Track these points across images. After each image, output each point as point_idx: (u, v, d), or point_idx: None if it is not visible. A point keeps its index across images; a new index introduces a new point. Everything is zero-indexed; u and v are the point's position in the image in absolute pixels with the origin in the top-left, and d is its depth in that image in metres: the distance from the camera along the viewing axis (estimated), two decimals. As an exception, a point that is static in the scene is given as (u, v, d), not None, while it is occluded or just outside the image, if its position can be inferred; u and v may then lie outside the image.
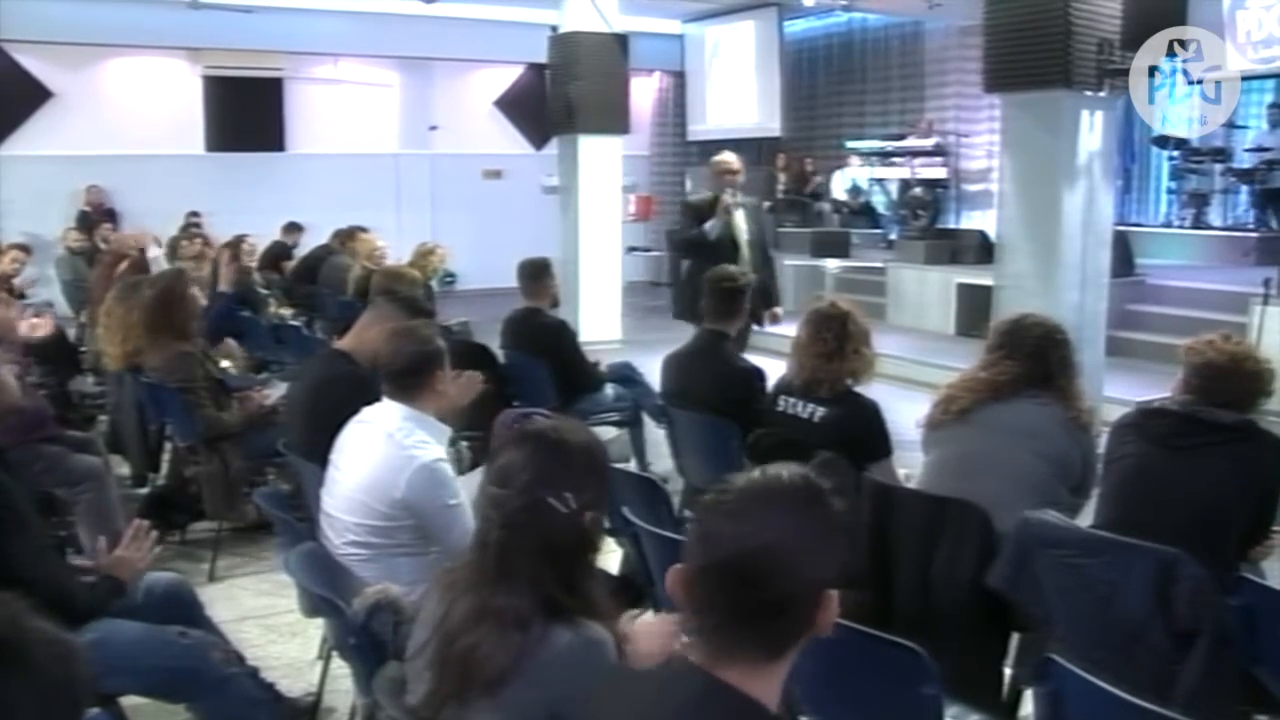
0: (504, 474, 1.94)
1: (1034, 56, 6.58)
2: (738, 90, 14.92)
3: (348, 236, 9.12)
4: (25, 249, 8.98)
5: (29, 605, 1.31)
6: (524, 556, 1.89)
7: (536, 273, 5.80)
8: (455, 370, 3.31)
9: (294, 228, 11.19)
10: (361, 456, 2.95)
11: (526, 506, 1.90)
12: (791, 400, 3.68)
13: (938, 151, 12.24)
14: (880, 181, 13.03)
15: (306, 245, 10.38)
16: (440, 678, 1.90)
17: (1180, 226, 10.98)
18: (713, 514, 1.40)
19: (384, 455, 2.90)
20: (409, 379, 3.00)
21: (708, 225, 6.40)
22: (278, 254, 10.57)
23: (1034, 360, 3.26)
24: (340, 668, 3.20)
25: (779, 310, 6.51)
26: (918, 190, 12.05)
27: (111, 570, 2.87)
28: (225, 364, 6.01)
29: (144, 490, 5.30)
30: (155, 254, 8.51)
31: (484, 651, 1.85)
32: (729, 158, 6.58)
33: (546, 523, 1.89)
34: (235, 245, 8.20)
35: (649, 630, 2.16)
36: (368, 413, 3.03)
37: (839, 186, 13.53)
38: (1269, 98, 10.84)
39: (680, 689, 1.42)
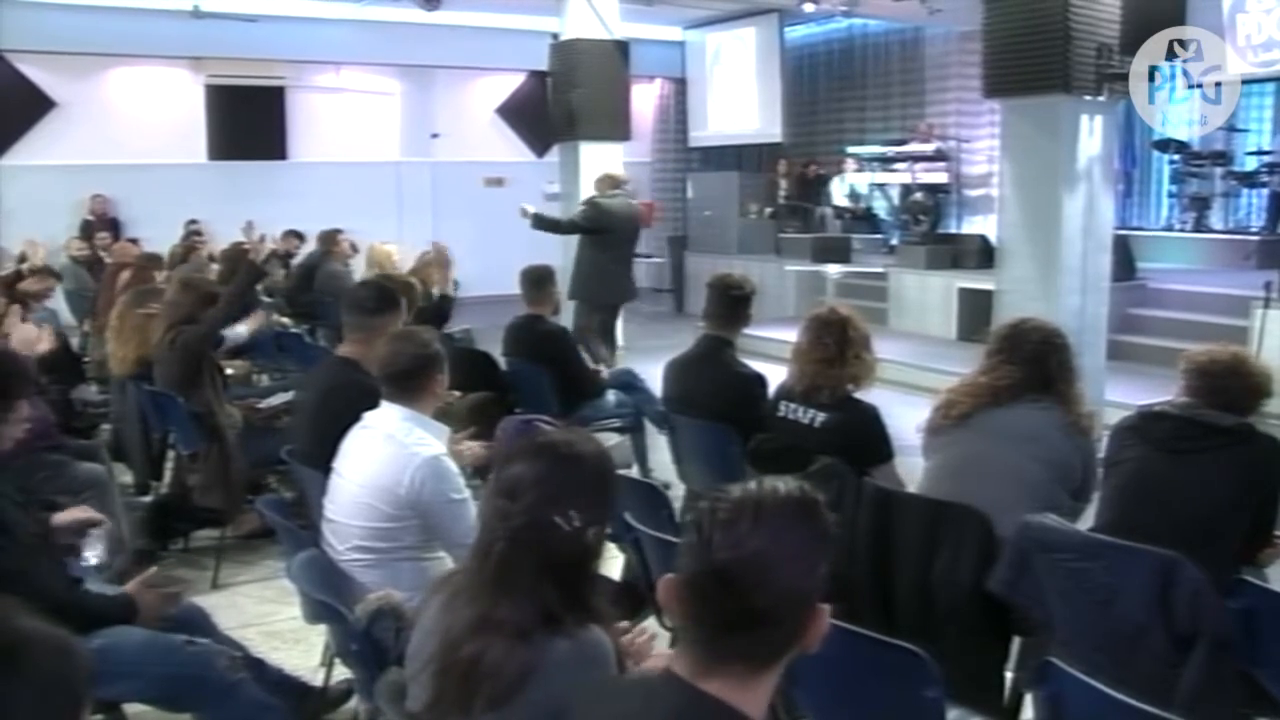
0: (511, 487, 1.93)
1: (1033, 62, 6.59)
2: (739, 96, 14.94)
3: (330, 241, 9.21)
4: (55, 274, 8.87)
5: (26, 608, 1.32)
6: (525, 571, 1.89)
7: (540, 280, 5.82)
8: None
9: (293, 235, 11.19)
10: (364, 460, 2.98)
11: (531, 524, 1.89)
12: (792, 406, 3.68)
13: (939, 156, 12.24)
14: (881, 186, 13.04)
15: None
16: (442, 687, 1.90)
17: (1181, 230, 10.99)
18: (706, 522, 1.42)
19: (387, 455, 2.92)
20: (408, 380, 3.03)
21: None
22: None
23: (1034, 365, 3.27)
24: (342, 674, 3.22)
25: None
26: (919, 195, 12.05)
27: (135, 595, 2.89)
28: (230, 371, 6.03)
29: (147, 499, 5.32)
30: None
31: (489, 663, 1.84)
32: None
33: (549, 540, 1.89)
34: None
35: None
36: (369, 418, 3.06)
37: (839, 191, 13.54)
38: (1270, 101, 10.86)
39: (665, 701, 1.43)
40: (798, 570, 1.40)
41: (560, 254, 10.34)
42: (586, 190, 10.65)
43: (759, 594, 1.37)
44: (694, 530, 1.43)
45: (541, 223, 8.34)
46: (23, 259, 9.15)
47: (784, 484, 1.45)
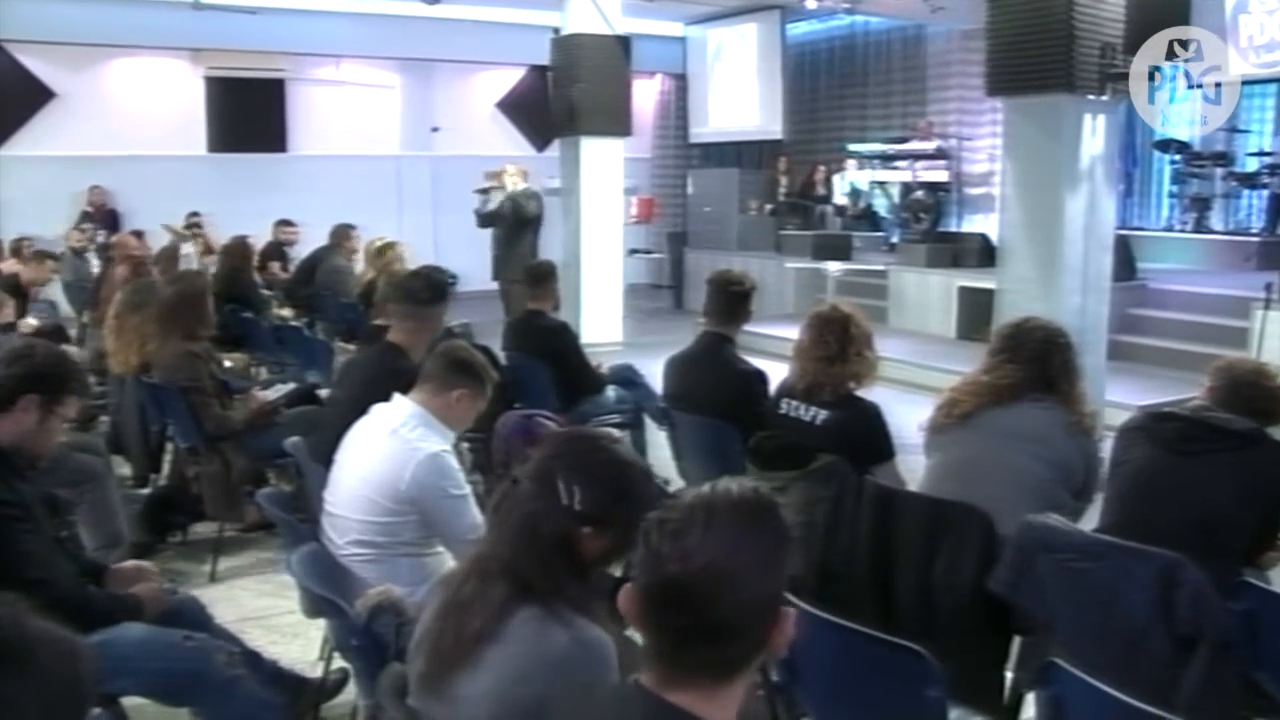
0: (543, 452, 1.93)
1: (1036, 60, 6.57)
2: (740, 93, 14.93)
3: (343, 236, 9.18)
4: (53, 256, 8.87)
5: (35, 606, 1.31)
6: (507, 532, 1.88)
7: (541, 276, 5.82)
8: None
9: (283, 224, 11.10)
10: (366, 454, 2.97)
11: (534, 479, 1.88)
12: (793, 403, 3.67)
13: (940, 155, 12.22)
14: (882, 184, 13.03)
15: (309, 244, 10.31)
16: (435, 646, 1.90)
17: (1182, 231, 10.98)
18: (655, 532, 1.36)
19: (388, 450, 2.91)
20: (447, 372, 3.04)
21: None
22: (271, 255, 10.55)
23: (1036, 364, 3.26)
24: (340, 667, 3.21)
25: None
26: (919, 193, 12.03)
27: (139, 594, 2.89)
28: (228, 364, 6.02)
29: (145, 491, 5.31)
30: (187, 251, 8.61)
31: (474, 609, 1.84)
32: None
33: (538, 506, 1.85)
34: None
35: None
36: (374, 410, 3.05)
37: (839, 189, 13.53)
38: (1271, 102, 10.85)
39: (633, 713, 1.40)
40: (754, 579, 1.33)
41: (559, 249, 10.37)
42: (588, 186, 10.71)
43: (715, 607, 1.31)
44: (643, 541, 1.37)
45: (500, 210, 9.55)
46: (18, 252, 9.17)
47: (737, 486, 1.40)
